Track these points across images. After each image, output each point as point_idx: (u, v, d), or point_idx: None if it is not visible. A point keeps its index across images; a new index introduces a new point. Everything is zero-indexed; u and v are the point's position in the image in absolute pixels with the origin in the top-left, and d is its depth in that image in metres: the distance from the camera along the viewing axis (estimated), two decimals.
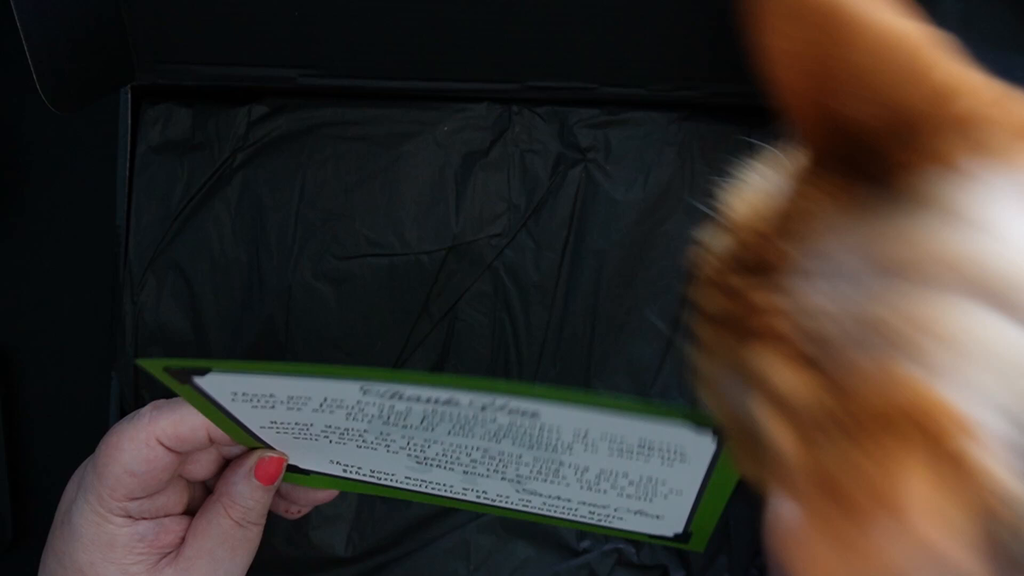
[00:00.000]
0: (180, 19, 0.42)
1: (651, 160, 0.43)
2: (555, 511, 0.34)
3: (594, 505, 0.33)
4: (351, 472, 0.34)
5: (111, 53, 0.41)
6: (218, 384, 0.29)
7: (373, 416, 0.30)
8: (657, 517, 0.33)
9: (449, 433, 0.30)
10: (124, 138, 0.43)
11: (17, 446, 0.54)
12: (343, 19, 0.41)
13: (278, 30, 0.42)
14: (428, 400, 0.28)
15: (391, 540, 0.43)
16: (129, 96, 0.43)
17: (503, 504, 0.34)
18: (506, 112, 0.44)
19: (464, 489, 0.34)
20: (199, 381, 0.29)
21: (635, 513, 0.33)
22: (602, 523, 0.34)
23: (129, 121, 0.43)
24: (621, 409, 0.27)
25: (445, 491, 0.34)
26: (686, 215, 0.43)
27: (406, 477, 0.34)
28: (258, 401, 0.30)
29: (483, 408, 0.28)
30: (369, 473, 0.34)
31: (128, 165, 0.43)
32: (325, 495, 0.36)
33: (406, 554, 0.43)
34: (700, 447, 0.28)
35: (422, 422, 0.30)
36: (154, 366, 0.29)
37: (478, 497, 0.34)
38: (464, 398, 0.28)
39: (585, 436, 0.29)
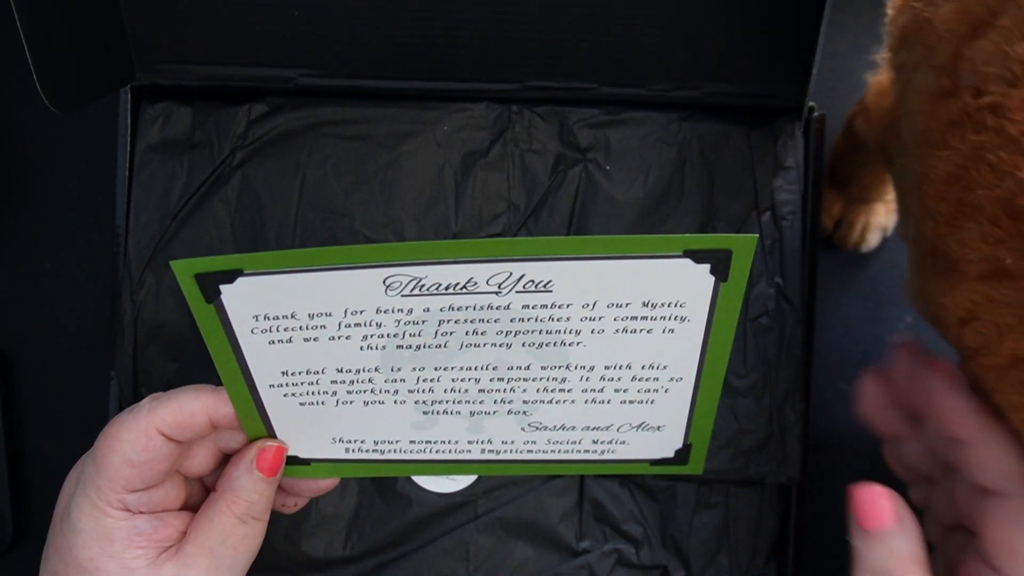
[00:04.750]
0: (180, 19, 0.42)
1: (651, 160, 0.43)
2: (559, 450, 0.35)
3: (597, 428, 0.34)
4: (353, 450, 0.35)
5: (111, 53, 0.41)
6: (243, 300, 0.30)
7: (388, 336, 0.30)
8: (658, 428, 0.34)
9: (462, 347, 0.31)
10: (124, 138, 0.43)
11: (17, 446, 0.54)
12: (343, 19, 0.42)
13: (278, 30, 0.42)
14: (448, 289, 0.29)
15: (390, 540, 0.43)
16: (129, 96, 0.43)
17: (507, 455, 0.35)
18: (506, 112, 0.44)
19: (469, 443, 0.34)
20: (225, 295, 0.30)
21: (637, 429, 0.34)
22: (606, 456, 0.35)
23: (129, 121, 0.43)
24: (626, 249, 0.28)
25: (449, 452, 0.35)
26: (686, 215, 0.43)
27: (410, 441, 0.34)
28: (277, 329, 0.30)
29: (499, 289, 0.29)
30: (372, 446, 0.34)
31: (127, 165, 0.43)
32: (326, 484, 0.36)
33: (405, 554, 0.43)
34: (699, 290, 0.29)
35: (436, 335, 0.30)
36: (186, 271, 0.29)
37: (483, 452, 0.35)
38: (482, 274, 0.29)
39: (593, 309, 0.30)
